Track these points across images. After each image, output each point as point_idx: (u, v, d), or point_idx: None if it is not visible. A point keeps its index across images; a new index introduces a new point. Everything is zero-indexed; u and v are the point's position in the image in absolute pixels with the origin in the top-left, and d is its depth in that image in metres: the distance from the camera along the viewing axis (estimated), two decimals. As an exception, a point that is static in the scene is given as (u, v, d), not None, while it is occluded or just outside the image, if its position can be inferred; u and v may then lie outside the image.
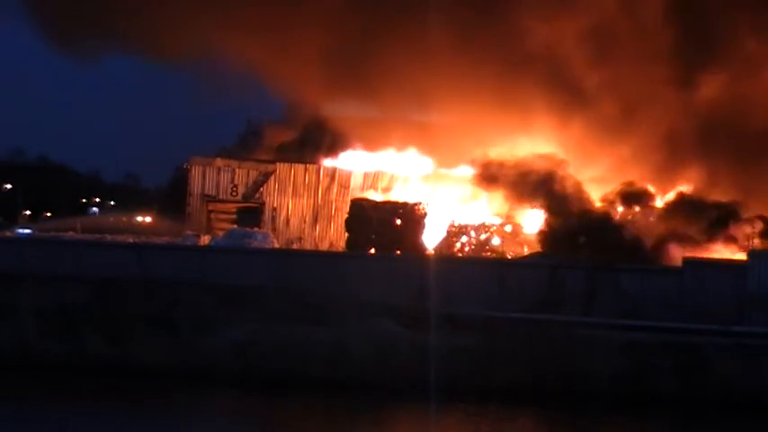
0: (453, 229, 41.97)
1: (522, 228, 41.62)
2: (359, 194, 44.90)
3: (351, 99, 45.19)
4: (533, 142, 40.87)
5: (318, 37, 43.42)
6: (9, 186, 70.69)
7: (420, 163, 46.72)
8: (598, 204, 39.64)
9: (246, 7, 44.18)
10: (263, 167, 48.51)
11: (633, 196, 39.66)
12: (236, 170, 48.53)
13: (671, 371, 28.25)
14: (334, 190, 47.30)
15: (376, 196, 43.88)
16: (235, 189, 48.29)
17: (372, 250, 38.65)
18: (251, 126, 54.73)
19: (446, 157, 45.26)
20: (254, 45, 43.49)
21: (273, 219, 47.51)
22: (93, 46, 48.69)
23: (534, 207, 39.86)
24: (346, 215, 42.22)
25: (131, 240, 42.41)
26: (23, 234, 45.56)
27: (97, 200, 71.42)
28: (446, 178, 45.58)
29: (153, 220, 49.57)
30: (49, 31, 48.44)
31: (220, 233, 44.09)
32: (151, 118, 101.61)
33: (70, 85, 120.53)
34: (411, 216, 40.47)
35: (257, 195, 48.24)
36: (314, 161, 47.94)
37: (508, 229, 41.35)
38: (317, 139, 47.73)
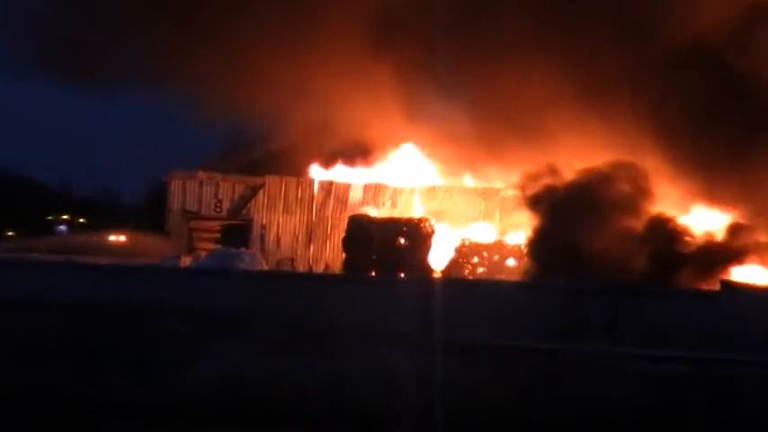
0: (464, 248, 42.44)
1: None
2: (358, 210, 45.40)
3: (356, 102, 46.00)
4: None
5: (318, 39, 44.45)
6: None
7: (427, 174, 47.32)
8: None
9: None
10: (251, 181, 48.99)
11: None
12: (221, 184, 49.06)
13: (703, 406, 28.59)
14: (331, 205, 47.80)
15: (377, 212, 44.38)
16: (219, 205, 48.79)
17: (373, 272, 39.08)
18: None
19: (456, 167, 45.95)
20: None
21: (263, 238, 48.00)
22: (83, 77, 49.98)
23: None
24: (344, 233, 42.67)
25: (104, 262, 42.88)
26: (-19, 256, 45.97)
27: (65, 217, 71.77)
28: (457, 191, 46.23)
29: (128, 238, 50.08)
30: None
31: (203, 253, 44.59)
32: (127, 127, 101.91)
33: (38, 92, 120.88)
34: (416, 234, 40.84)
35: (244, 212, 48.73)
36: (307, 173, 48.53)
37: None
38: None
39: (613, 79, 40.37)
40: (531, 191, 39.56)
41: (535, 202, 39.20)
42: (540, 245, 38.37)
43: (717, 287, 34.88)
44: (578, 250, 35.60)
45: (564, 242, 36.41)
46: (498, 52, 42.23)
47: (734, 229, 38.98)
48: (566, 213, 37.58)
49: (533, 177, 39.98)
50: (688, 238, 38.38)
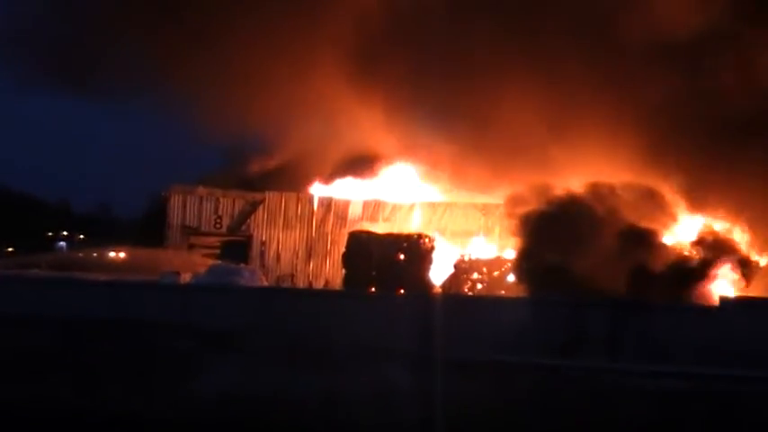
0: (463, 264, 42.45)
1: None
2: (357, 226, 45.44)
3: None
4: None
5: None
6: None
7: (426, 189, 47.39)
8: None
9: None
10: (251, 196, 49.02)
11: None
12: (221, 199, 49.08)
13: (701, 420, 28.63)
14: (330, 221, 47.84)
15: (377, 228, 44.41)
16: (219, 220, 48.81)
17: (373, 288, 39.10)
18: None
19: (455, 182, 46.01)
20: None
21: (262, 253, 48.01)
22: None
23: None
24: (343, 249, 42.70)
25: (103, 278, 42.90)
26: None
27: (65, 233, 71.81)
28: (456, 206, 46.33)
29: (129, 254, 50.15)
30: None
31: (202, 269, 44.59)
32: (125, 142, 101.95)
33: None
34: (416, 250, 40.90)
35: (244, 227, 48.76)
36: (307, 189, 48.58)
37: None
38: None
39: (605, 94, 40.44)
40: (517, 212, 39.51)
41: (521, 224, 39.15)
42: (524, 265, 38.42)
43: (694, 299, 35.09)
44: (561, 271, 35.60)
45: (547, 263, 36.44)
46: (493, 69, 42.37)
47: (714, 241, 39.11)
48: (548, 234, 37.58)
49: (518, 200, 39.99)
50: (666, 252, 38.45)
